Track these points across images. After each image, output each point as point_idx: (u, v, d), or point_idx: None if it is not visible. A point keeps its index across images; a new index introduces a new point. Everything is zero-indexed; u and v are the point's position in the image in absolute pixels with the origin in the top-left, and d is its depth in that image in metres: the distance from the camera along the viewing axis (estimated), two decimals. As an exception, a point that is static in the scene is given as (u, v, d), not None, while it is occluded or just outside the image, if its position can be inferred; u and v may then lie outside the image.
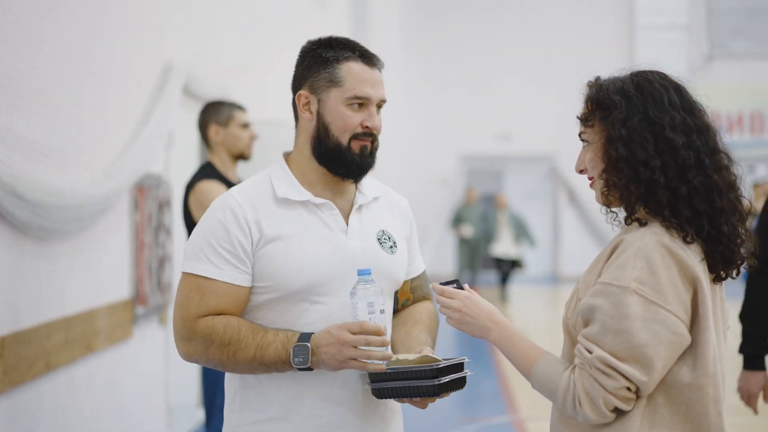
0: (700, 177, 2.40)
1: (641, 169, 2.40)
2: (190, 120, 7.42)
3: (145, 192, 6.12)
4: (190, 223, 5.09)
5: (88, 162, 5.15)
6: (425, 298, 3.00)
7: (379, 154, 2.82)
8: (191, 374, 7.51)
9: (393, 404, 2.81)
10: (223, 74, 7.93)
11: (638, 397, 2.35)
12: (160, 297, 6.43)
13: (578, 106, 2.58)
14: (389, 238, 2.85)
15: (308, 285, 2.68)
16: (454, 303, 2.59)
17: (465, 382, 2.67)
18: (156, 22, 6.38)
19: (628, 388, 2.32)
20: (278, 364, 2.61)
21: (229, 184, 5.18)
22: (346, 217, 2.80)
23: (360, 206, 2.83)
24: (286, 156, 2.88)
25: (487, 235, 17.25)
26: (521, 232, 17.00)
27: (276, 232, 2.70)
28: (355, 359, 2.55)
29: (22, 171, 4.22)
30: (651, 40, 22.99)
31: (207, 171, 5.19)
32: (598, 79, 2.57)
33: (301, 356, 2.57)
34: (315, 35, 2.82)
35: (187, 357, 2.71)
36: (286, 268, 2.67)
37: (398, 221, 2.93)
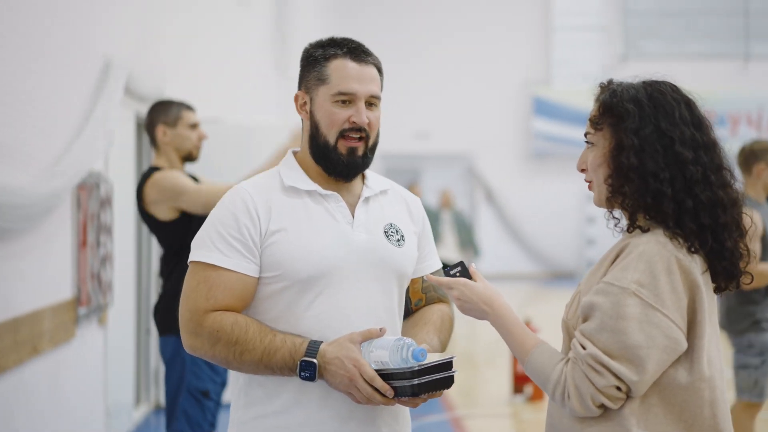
0: (706, 192, 2.44)
1: (650, 180, 2.44)
2: (127, 117, 7.34)
3: (87, 191, 6.02)
4: (150, 220, 5.02)
5: (33, 160, 5.06)
6: (440, 300, 2.99)
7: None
8: (128, 375, 7.43)
9: None
10: (157, 72, 7.84)
11: (629, 397, 2.39)
12: (101, 297, 6.33)
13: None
14: (397, 231, 2.85)
15: (314, 274, 2.69)
16: (454, 292, 2.64)
17: (452, 381, 2.64)
18: (95, 18, 6.29)
19: (618, 388, 2.37)
20: (284, 371, 2.63)
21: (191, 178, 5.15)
22: (353, 210, 2.82)
23: (367, 198, 2.85)
24: (294, 154, 2.91)
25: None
26: (467, 238, 16.03)
27: (283, 221, 2.72)
28: (354, 393, 2.60)
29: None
30: (567, 40, 23.24)
31: (153, 171, 5.10)
32: (610, 82, 2.60)
33: (308, 372, 2.60)
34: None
35: (193, 351, 2.71)
36: (292, 256, 2.68)
37: (407, 217, 2.94)
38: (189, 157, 5.18)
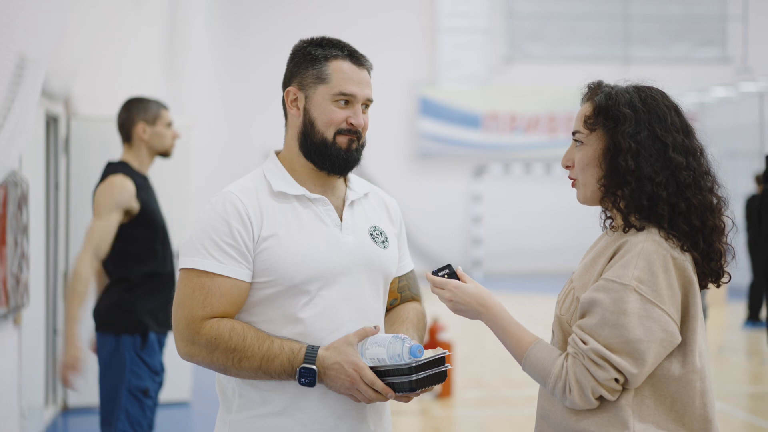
0: (697, 196, 2.57)
1: (646, 183, 2.55)
2: (38, 115, 7.24)
3: (6, 190, 5.92)
4: None
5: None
6: (413, 298, 3.07)
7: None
8: (39, 376, 7.32)
9: None
10: (66, 70, 7.74)
11: (625, 389, 2.51)
12: (18, 298, 6.23)
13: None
14: (381, 233, 2.92)
15: (307, 279, 2.73)
16: (445, 294, 2.71)
17: (445, 375, 2.73)
18: (10, 16, 6.18)
19: (616, 380, 2.48)
20: (283, 377, 2.68)
21: (146, 180, 5.15)
22: (340, 213, 2.87)
23: (352, 202, 2.91)
24: (277, 153, 2.93)
25: None
26: None
27: (275, 226, 2.75)
28: (356, 395, 2.68)
29: None
30: (453, 42, 23.48)
31: (123, 168, 5.12)
32: (600, 84, 2.69)
33: (308, 378, 2.66)
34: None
35: (189, 358, 2.73)
36: (286, 261, 2.72)
37: (387, 219, 3.01)
38: (165, 154, 5.29)
